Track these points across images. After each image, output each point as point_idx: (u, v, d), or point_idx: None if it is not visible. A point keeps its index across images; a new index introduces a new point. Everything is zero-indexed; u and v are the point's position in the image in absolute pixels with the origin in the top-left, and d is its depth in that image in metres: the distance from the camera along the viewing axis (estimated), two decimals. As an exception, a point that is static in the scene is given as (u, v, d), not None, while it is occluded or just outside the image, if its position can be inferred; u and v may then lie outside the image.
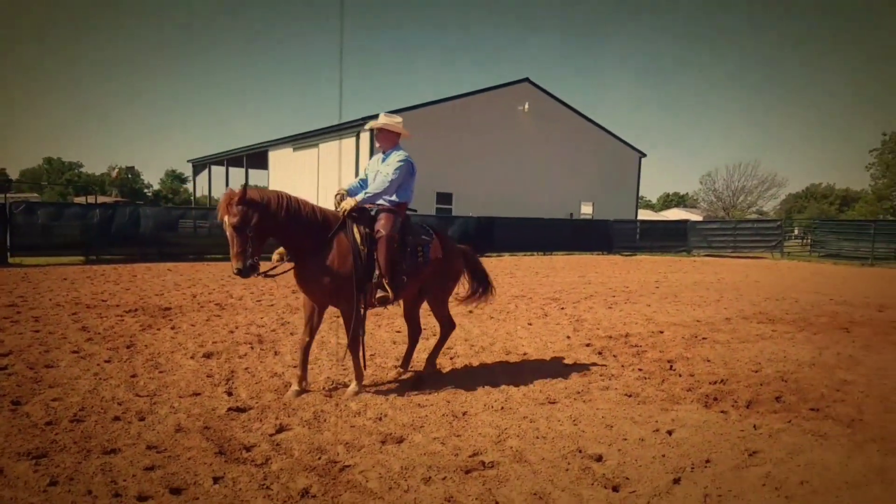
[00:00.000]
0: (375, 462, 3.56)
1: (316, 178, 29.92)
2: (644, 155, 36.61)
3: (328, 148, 29.29)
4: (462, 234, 22.88)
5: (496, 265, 19.34)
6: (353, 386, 4.86)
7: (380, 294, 4.78)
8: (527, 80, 30.89)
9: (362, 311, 4.78)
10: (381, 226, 4.82)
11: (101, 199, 41.61)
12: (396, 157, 4.99)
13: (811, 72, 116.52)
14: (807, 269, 20.59)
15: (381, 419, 4.30)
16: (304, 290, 4.87)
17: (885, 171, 57.51)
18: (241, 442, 3.80)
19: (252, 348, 6.38)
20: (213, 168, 43.05)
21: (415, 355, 5.85)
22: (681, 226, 30.10)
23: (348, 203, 4.83)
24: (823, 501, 3.14)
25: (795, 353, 6.66)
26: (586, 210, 33.80)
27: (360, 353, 4.80)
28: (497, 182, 29.85)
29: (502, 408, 4.60)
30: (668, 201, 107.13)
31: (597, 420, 4.36)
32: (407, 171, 5.00)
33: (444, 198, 28.30)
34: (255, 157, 37.13)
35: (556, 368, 5.83)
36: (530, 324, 8.36)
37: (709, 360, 6.28)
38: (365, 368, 5.00)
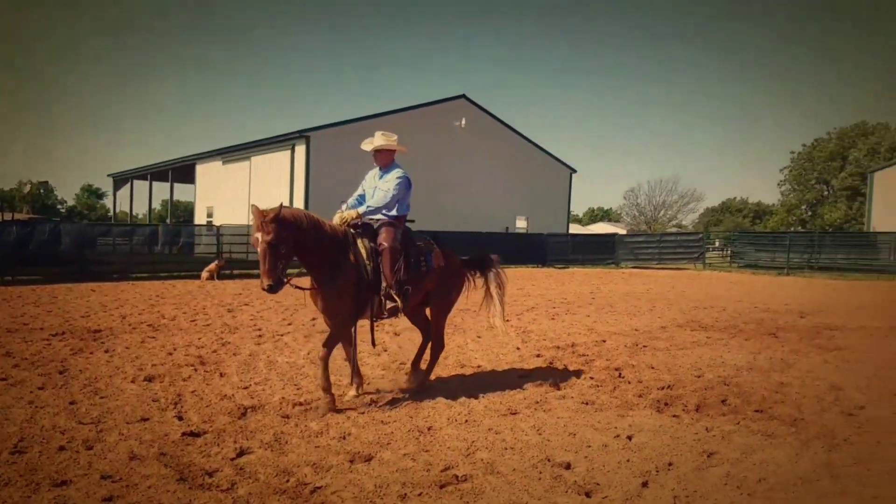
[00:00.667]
0: (347, 482, 3.49)
1: (247, 192, 29.16)
2: (574, 171, 37.80)
3: (261, 161, 28.65)
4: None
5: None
6: (352, 390, 5.19)
7: (389, 305, 4.97)
8: (463, 96, 31.38)
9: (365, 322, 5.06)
10: (384, 238, 5.01)
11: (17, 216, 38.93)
12: (395, 174, 5.23)
13: (727, 93, 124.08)
14: (728, 279, 21.77)
15: (345, 438, 4.23)
16: (325, 308, 4.93)
17: (795, 186, 61.86)
18: (201, 467, 3.64)
19: (195, 370, 6.12)
20: (136, 182, 41.27)
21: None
22: (610, 239, 31.22)
23: (350, 214, 5.02)
24: (782, 497, 3.33)
25: (732, 359, 7.02)
26: (521, 224, 34.52)
27: (354, 357, 5.22)
28: (436, 196, 30.07)
29: (466, 420, 4.61)
30: (595, 216, 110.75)
31: (560, 428, 4.45)
32: (405, 187, 5.26)
33: (380, 213, 28.18)
34: (182, 171, 35.82)
35: (511, 379, 5.90)
36: (479, 336, 8.44)
37: (653, 367, 6.52)
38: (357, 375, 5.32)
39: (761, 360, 6.91)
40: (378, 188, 5.23)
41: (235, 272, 19.38)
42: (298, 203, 26.20)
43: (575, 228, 75.53)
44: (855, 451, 3.93)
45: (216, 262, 18.24)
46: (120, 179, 42.69)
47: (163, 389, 5.38)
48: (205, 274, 17.53)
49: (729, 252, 32.19)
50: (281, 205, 4.47)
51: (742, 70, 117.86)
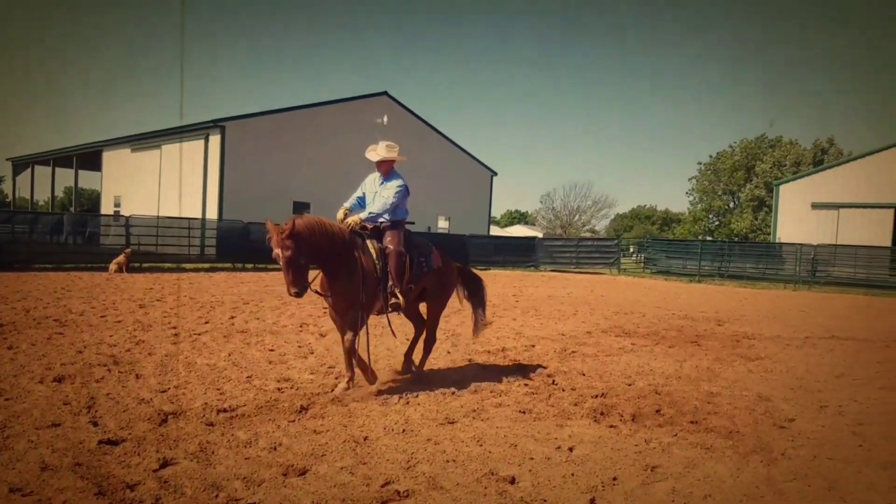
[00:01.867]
0: (282, 498, 3.23)
1: (158, 181, 27.60)
2: (495, 174, 38.36)
3: (173, 150, 27.16)
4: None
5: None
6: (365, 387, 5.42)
7: (392, 301, 5.49)
8: (385, 93, 31.05)
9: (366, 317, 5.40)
10: (389, 241, 5.55)
11: None
12: (395, 184, 5.70)
13: (637, 98, 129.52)
14: (643, 285, 22.69)
15: (276, 449, 3.94)
16: (337, 306, 5.35)
17: (702, 196, 65.45)
18: (122, 480, 3.29)
19: (109, 371, 5.63)
20: (38, 168, 38.53)
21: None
22: (530, 242, 31.86)
23: (354, 219, 5.51)
24: (728, 512, 3.36)
25: (659, 367, 7.20)
26: (443, 224, 34.64)
27: (367, 354, 5.47)
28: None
29: (403, 430, 4.43)
30: (512, 218, 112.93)
31: (500, 439, 4.35)
32: (403, 195, 5.74)
33: (302, 208, 27.50)
34: (87, 157, 33.64)
35: (445, 386, 5.77)
36: (407, 339, 8.26)
37: (584, 374, 6.58)
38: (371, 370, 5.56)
39: (688, 369, 7.13)
40: (379, 195, 5.72)
41: (145, 265, 18.57)
42: (213, 195, 25.08)
43: (494, 230, 76.85)
44: (793, 466, 4.04)
45: (125, 253, 17.50)
46: (20, 164, 39.85)
47: (74, 391, 4.94)
48: (113, 266, 16.91)
49: (643, 258, 33.61)
50: (293, 220, 4.83)
51: (652, 79, 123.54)
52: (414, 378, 6.00)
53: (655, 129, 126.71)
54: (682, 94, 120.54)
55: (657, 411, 5.26)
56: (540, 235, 50.54)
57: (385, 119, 30.23)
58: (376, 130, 30.25)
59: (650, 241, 33.89)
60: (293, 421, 4.51)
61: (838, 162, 35.19)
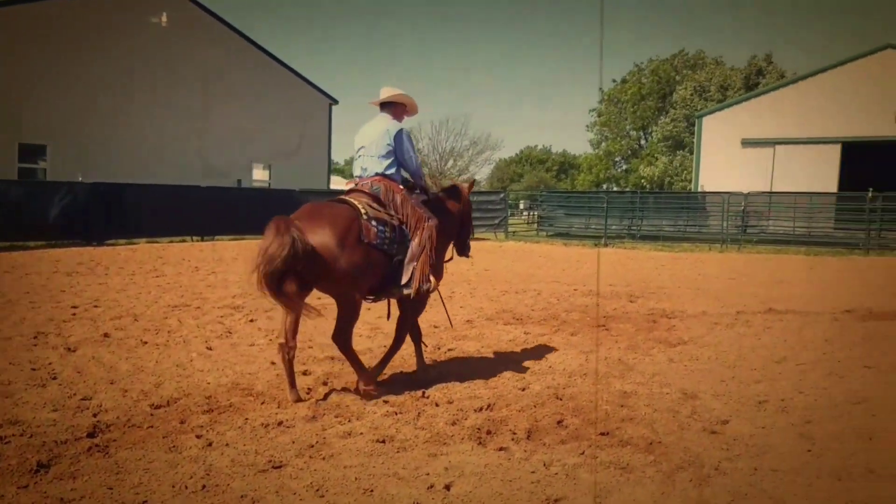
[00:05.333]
0: None
1: None
2: (335, 102, 37.90)
3: None
4: (66, 210, 20.88)
5: (129, 258, 18.08)
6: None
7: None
8: (167, -20, 29.43)
9: None
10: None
11: None
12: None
13: (527, 26, 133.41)
14: (538, 252, 23.60)
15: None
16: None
17: (606, 133, 68.70)
18: None
19: None
20: None
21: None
22: (388, 199, 31.87)
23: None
24: (653, 554, 3.52)
25: (560, 361, 7.48)
26: (260, 176, 33.80)
27: None
28: (126, 131, 27.85)
29: (203, 487, 4.20)
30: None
31: (349, 484, 4.27)
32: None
33: (33, 153, 25.43)
34: None
35: (268, 413, 5.59)
36: (210, 348, 7.97)
37: (465, 380, 6.67)
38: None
39: (596, 362, 7.46)
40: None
41: None
42: None
43: (338, 183, 75.92)
44: (730, 483, 4.31)
45: None
46: None
47: None
48: None
49: (535, 216, 34.90)
50: None
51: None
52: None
53: (548, 44, 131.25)
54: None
55: (559, 423, 5.43)
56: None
57: (164, 18, 28.54)
58: (154, 36, 28.59)
59: (545, 195, 35.26)
60: (25, 486, 4.13)
61: (774, 86, 38.30)
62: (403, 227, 6.41)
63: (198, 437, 5.03)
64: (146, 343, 8.04)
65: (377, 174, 6.59)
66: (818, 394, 6.36)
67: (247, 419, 5.43)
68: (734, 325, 9.76)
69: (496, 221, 30.13)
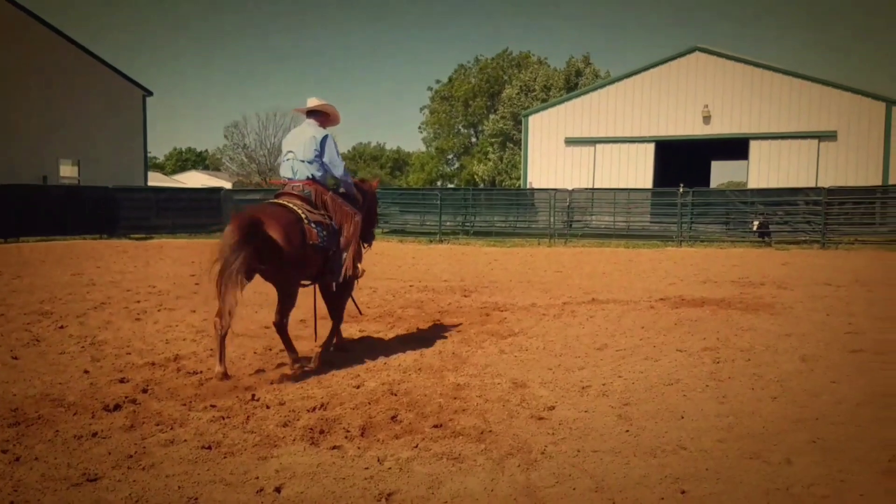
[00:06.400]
0: None
1: None
2: (150, 93, 36.45)
3: None
4: None
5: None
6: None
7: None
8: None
9: None
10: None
11: None
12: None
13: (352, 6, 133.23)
14: (372, 249, 23.53)
15: None
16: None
17: (437, 131, 69.80)
18: None
19: None
20: None
21: None
22: (213, 197, 30.97)
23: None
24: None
25: (395, 357, 7.55)
26: (69, 173, 32.01)
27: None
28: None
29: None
30: (184, 161, 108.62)
31: (172, 493, 4.11)
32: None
33: None
34: None
35: (81, 424, 5.28)
36: (16, 357, 7.51)
37: (297, 381, 6.59)
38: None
39: (430, 356, 7.59)
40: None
41: None
42: None
43: (159, 179, 73.09)
44: (555, 465, 4.51)
45: None
46: None
47: None
48: None
49: (371, 214, 35.00)
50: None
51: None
52: None
53: (382, 40, 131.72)
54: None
55: (393, 418, 5.47)
56: (228, 186, 49.48)
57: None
58: None
59: (378, 192, 35.26)
60: None
61: (592, 87, 40.23)
62: (333, 224, 7.32)
63: (3, 451, 4.70)
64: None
65: (308, 178, 7.38)
66: (635, 377, 6.77)
67: (58, 431, 5.12)
68: (560, 316, 10.18)
69: (329, 219, 29.92)
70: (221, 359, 6.60)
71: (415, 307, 10.96)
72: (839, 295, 12.34)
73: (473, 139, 70.28)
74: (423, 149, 75.48)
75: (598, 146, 35.35)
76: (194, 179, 78.06)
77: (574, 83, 59.86)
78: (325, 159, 7.46)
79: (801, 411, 5.67)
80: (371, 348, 8.07)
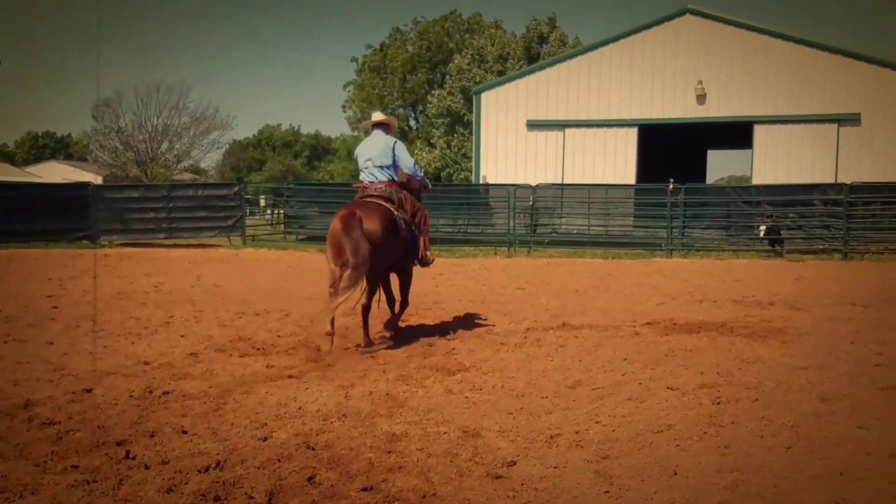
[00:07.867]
0: None
1: None
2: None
3: None
4: None
5: None
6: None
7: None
8: None
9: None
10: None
11: None
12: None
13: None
14: (284, 262, 23.53)
15: None
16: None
17: (364, 110, 69.41)
18: None
19: None
20: None
21: None
22: (79, 194, 30.41)
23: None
24: None
25: (313, 401, 7.44)
26: None
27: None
28: None
29: None
30: (40, 149, 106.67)
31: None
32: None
33: None
34: None
35: None
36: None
37: (186, 432, 6.48)
38: None
39: (358, 399, 7.52)
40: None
41: None
42: None
43: (6, 172, 71.65)
44: (517, 538, 4.47)
45: None
46: None
47: None
48: None
49: (281, 216, 34.63)
50: None
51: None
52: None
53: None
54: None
55: (310, 479, 5.39)
56: (98, 181, 48.68)
57: None
58: None
59: (293, 188, 35.07)
60: None
61: (559, 57, 40.22)
62: (409, 218, 10.76)
63: None
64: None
65: (390, 180, 10.76)
66: (617, 423, 6.77)
67: None
68: (523, 345, 10.20)
69: (230, 223, 29.59)
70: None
71: (339, 335, 10.85)
72: (866, 317, 12.58)
73: (413, 122, 70.25)
74: (349, 132, 75.28)
75: (568, 131, 35.39)
76: (54, 172, 76.76)
77: (536, 52, 60.20)
78: (400, 162, 10.81)
79: (821, 465, 5.72)
80: (281, 389, 7.92)
